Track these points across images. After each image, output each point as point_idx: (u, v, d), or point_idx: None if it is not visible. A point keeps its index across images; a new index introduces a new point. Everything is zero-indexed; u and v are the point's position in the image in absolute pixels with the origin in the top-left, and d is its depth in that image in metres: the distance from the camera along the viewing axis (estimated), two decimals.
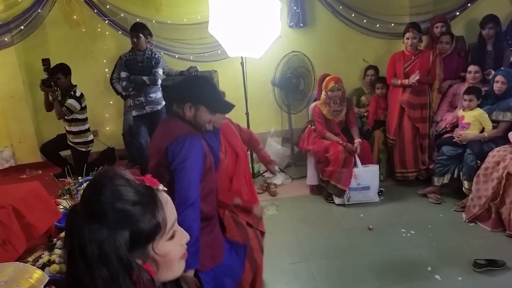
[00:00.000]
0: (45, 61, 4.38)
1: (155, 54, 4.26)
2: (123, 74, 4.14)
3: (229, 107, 2.02)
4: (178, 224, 0.92)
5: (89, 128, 4.61)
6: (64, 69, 4.46)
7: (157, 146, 1.88)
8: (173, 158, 1.80)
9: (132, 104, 4.29)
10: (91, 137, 4.60)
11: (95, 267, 0.77)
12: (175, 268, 0.90)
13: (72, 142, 4.48)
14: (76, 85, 4.48)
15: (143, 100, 4.21)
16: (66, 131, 4.49)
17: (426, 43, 4.76)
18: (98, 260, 0.77)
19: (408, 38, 4.21)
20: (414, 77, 4.12)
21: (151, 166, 1.94)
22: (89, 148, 4.60)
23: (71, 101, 4.42)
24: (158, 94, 4.33)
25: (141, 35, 4.12)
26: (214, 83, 2.02)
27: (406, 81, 4.22)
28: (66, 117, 4.46)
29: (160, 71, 4.29)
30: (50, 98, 4.49)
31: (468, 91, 3.91)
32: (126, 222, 0.80)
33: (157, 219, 0.83)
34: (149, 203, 0.84)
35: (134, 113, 4.31)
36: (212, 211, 2.05)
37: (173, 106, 1.95)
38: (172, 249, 0.87)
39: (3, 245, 2.43)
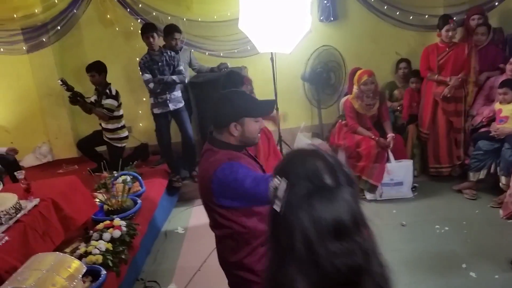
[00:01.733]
0: (62, 81, 4.38)
1: (171, 53, 4.31)
2: (147, 76, 4.16)
3: (270, 105, 1.96)
4: None
5: (124, 125, 4.71)
6: (98, 67, 4.49)
7: (202, 184, 1.77)
8: (220, 184, 1.67)
9: (154, 102, 4.30)
10: (126, 134, 4.69)
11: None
12: None
13: (108, 138, 4.58)
14: (110, 83, 4.58)
15: (167, 98, 4.27)
16: (102, 128, 4.59)
17: (461, 35, 4.62)
18: (351, 218, 0.83)
19: (448, 30, 4.08)
20: (456, 80, 4.05)
21: (202, 199, 1.83)
22: (124, 144, 4.70)
23: (109, 101, 4.48)
24: (179, 93, 4.38)
25: (155, 34, 4.18)
26: (241, 90, 1.86)
27: (447, 79, 4.11)
28: (109, 116, 4.49)
29: (182, 68, 4.35)
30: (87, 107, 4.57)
31: (502, 83, 3.78)
32: (352, 182, 0.87)
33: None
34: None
35: (156, 110, 4.31)
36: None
37: (211, 139, 1.81)
38: None
39: (43, 236, 2.54)
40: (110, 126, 4.56)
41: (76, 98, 4.43)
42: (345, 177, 0.86)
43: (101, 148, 4.81)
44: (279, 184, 0.86)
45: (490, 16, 4.65)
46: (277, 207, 0.84)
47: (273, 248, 0.90)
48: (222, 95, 1.83)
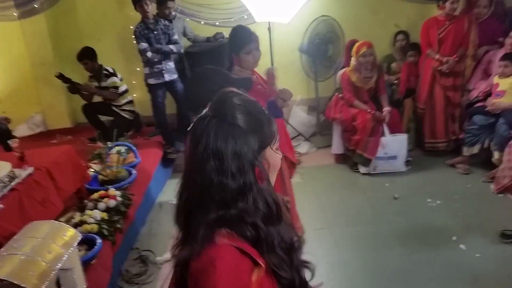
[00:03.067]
0: (59, 77, 4.40)
1: (166, 22, 4.23)
2: (144, 45, 4.09)
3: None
4: None
5: (132, 100, 4.73)
6: (88, 53, 4.45)
7: None
8: None
9: (149, 72, 4.24)
10: (134, 108, 4.74)
11: (229, 161, 0.88)
12: (273, 178, 1.02)
13: (118, 109, 4.59)
14: (102, 64, 4.54)
15: (163, 68, 4.21)
16: (114, 106, 4.59)
17: (462, 7, 4.54)
18: (232, 156, 0.88)
19: (453, 2, 3.99)
20: (450, 63, 4.03)
21: None
22: (132, 118, 4.72)
23: (111, 79, 4.48)
24: (173, 63, 4.33)
25: (148, 1, 4.08)
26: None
27: (444, 59, 4.07)
28: (118, 94, 4.52)
29: (177, 37, 4.30)
30: (87, 94, 4.60)
31: (504, 56, 3.75)
32: (257, 126, 0.94)
33: (274, 128, 0.99)
34: (267, 114, 0.99)
35: (151, 81, 4.26)
36: None
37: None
38: (277, 158, 1.02)
39: (42, 204, 2.54)
40: (118, 103, 4.56)
41: (75, 88, 4.46)
42: (251, 121, 0.93)
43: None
44: (203, 111, 0.99)
45: None
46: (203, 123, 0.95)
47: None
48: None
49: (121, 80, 4.60)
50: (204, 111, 0.98)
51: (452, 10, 4.03)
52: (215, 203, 0.89)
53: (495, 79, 3.83)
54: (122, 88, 4.61)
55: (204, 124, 0.92)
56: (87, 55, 4.46)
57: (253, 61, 2.44)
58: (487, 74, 4.17)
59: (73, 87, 4.49)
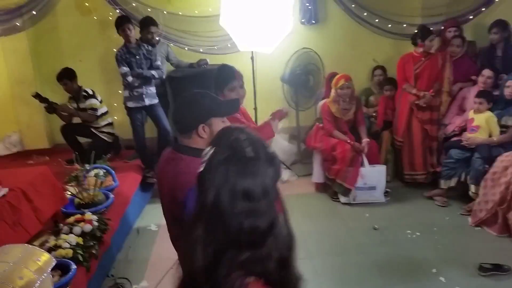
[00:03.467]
0: (36, 96, 4.38)
1: (148, 47, 4.24)
2: (124, 69, 4.07)
3: (235, 104, 1.92)
4: None
5: (112, 122, 4.68)
6: (68, 74, 4.42)
7: (171, 198, 1.67)
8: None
9: (129, 95, 4.20)
10: (113, 130, 4.68)
11: (259, 198, 0.89)
12: None
13: (97, 131, 4.51)
14: (82, 86, 4.51)
15: (143, 92, 4.19)
16: (93, 127, 4.52)
17: (438, 45, 4.74)
18: (261, 193, 0.90)
19: (431, 40, 4.16)
20: (427, 98, 4.17)
21: (167, 215, 1.85)
22: (111, 140, 4.65)
23: (90, 101, 4.43)
24: (154, 88, 4.31)
25: (131, 26, 4.09)
26: (204, 91, 1.78)
27: (421, 94, 4.21)
28: (97, 116, 4.47)
29: (160, 63, 4.32)
30: (66, 115, 4.56)
31: (479, 94, 3.90)
32: (271, 158, 0.96)
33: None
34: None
35: (131, 104, 4.21)
36: None
37: (177, 146, 1.71)
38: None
39: (13, 227, 2.44)
40: (99, 125, 4.51)
41: (52, 108, 4.43)
42: (265, 153, 0.95)
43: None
44: (208, 150, 0.97)
45: (465, 29, 4.79)
46: (200, 168, 0.95)
47: (194, 209, 0.98)
48: (187, 97, 1.75)
49: (100, 102, 4.56)
50: (209, 152, 0.96)
51: (429, 47, 4.20)
52: (243, 245, 0.88)
53: (471, 114, 3.97)
54: (102, 110, 4.56)
55: (221, 164, 0.91)
56: (66, 75, 4.42)
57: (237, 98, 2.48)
58: (462, 110, 4.32)
59: (50, 107, 4.43)
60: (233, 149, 0.93)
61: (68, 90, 4.48)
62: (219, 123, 1.69)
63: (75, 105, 4.51)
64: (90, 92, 4.49)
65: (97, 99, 4.51)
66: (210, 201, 0.89)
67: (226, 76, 2.53)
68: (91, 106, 4.45)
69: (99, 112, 4.50)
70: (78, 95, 4.48)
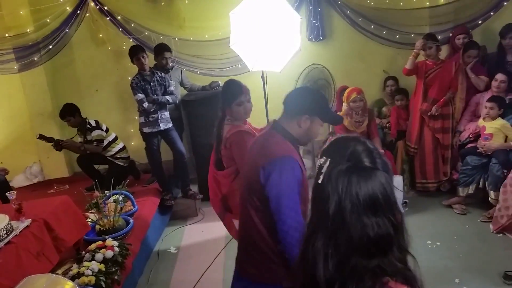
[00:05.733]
0: (41, 138, 4.51)
1: (161, 73, 4.35)
2: (140, 96, 4.18)
3: (339, 119, 2.08)
4: None
5: (124, 146, 4.76)
6: (70, 110, 4.53)
7: (253, 164, 1.81)
8: (268, 183, 1.72)
9: (144, 121, 4.31)
10: (127, 154, 4.76)
11: (384, 208, 0.92)
12: None
13: (113, 157, 4.62)
14: (86, 117, 4.62)
15: (158, 117, 4.29)
16: (108, 156, 4.62)
17: (448, 53, 4.73)
18: (384, 202, 0.92)
19: (424, 50, 4.20)
20: (437, 110, 4.17)
21: (244, 182, 1.91)
22: (127, 164, 4.74)
23: (94, 133, 4.53)
24: (168, 113, 4.41)
25: (145, 54, 4.21)
26: (323, 95, 1.97)
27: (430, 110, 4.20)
28: (102, 146, 4.56)
29: (173, 88, 4.41)
30: (74, 148, 4.65)
31: (490, 99, 3.87)
32: (387, 167, 1.00)
33: None
34: None
35: (147, 130, 4.31)
36: None
37: (276, 123, 1.86)
38: None
39: (37, 257, 2.51)
40: (113, 151, 4.61)
41: (59, 145, 4.52)
42: (381, 163, 0.98)
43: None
44: (323, 162, 0.99)
45: (474, 34, 4.78)
46: (319, 179, 0.97)
47: (310, 219, 1.01)
48: (308, 88, 2.02)
49: (106, 131, 4.64)
50: (325, 163, 0.98)
51: (429, 56, 4.20)
52: (373, 252, 0.90)
53: (481, 122, 3.94)
54: (109, 138, 4.63)
55: (342, 175, 0.93)
56: (68, 112, 4.53)
57: (244, 112, 2.59)
58: (476, 116, 4.28)
59: (57, 145, 4.53)
60: (352, 159, 0.96)
61: (72, 125, 4.59)
62: (318, 124, 1.85)
63: (82, 137, 4.62)
64: (93, 124, 4.57)
65: (101, 129, 4.59)
66: (332, 211, 0.91)
67: (234, 91, 2.58)
68: (97, 137, 4.53)
69: (105, 142, 4.57)
70: (84, 128, 4.58)
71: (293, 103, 1.85)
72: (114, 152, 4.64)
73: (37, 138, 4.51)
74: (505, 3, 4.84)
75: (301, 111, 1.80)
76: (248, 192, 1.83)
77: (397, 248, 0.93)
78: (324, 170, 0.97)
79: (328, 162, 0.97)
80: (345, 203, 0.90)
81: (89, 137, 4.57)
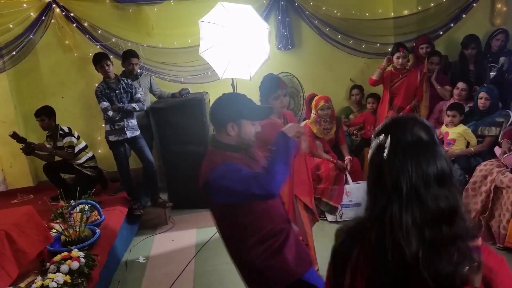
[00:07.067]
0: (13, 136, 4.36)
1: (127, 80, 4.30)
2: (105, 105, 4.11)
3: (267, 110, 2.07)
4: None
5: (93, 155, 4.68)
6: (47, 111, 4.43)
7: (200, 184, 1.89)
8: (214, 185, 1.80)
9: (110, 129, 4.24)
10: (96, 164, 4.67)
11: (452, 179, 1.00)
12: None
13: (80, 166, 4.51)
14: (59, 124, 4.52)
15: (125, 125, 4.24)
16: (76, 164, 4.52)
17: (412, 62, 4.90)
18: (450, 172, 1.00)
19: (398, 58, 4.32)
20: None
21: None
22: (95, 174, 4.64)
23: (66, 139, 4.43)
24: (135, 121, 4.35)
25: (109, 62, 4.15)
26: (241, 94, 2.02)
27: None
28: (74, 153, 4.47)
29: (140, 95, 4.36)
30: (43, 154, 4.54)
31: (451, 107, 4.02)
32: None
33: None
34: None
35: (112, 138, 4.24)
36: (276, 227, 1.95)
37: (213, 139, 1.96)
38: None
39: None
40: (79, 161, 4.51)
41: (29, 149, 4.39)
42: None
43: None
44: (382, 139, 1.03)
45: (436, 44, 4.97)
46: (384, 154, 1.00)
47: (375, 193, 1.04)
48: (224, 96, 1.97)
49: (78, 138, 4.55)
50: (386, 140, 1.02)
51: (399, 64, 4.34)
52: (445, 221, 0.97)
53: (443, 128, 4.08)
54: (80, 146, 4.54)
55: (408, 150, 0.99)
56: (45, 112, 4.42)
57: (280, 106, 2.64)
58: (439, 123, 4.44)
59: (28, 147, 4.38)
60: (414, 136, 1.00)
61: (44, 127, 4.47)
62: (248, 125, 1.90)
63: (52, 143, 4.51)
64: (66, 130, 4.49)
65: (74, 136, 4.50)
66: (406, 185, 0.96)
67: (271, 86, 2.65)
68: (69, 143, 4.43)
69: (76, 149, 4.48)
70: (55, 133, 4.48)
71: (214, 116, 1.95)
72: (83, 160, 4.55)
73: (9, 135, 4.35)
74: (463, 15, 5.07)
75: (223, 121, 1.88)
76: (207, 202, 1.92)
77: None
78: (387, 145, 1.01)
79: (389, 139, 1.02)
80: (417, 178, 0.96)
81: (59, 144, 4.47)
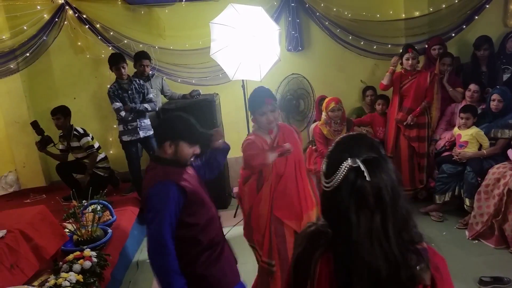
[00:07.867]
0: (33, 124, 4.44)
1: (139, 81, 4.34)
2: (117, 105, 4.16)
3: (206, 136, 2.09)
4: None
5: (106, 156, 4.71)
6: (64, 110, 4.49)
7: (143, 197, 2.00)
8: (147, 208, 1.92)
9: (123, 129, 4.29)
10: (108, 164, 4.71)
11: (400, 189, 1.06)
12: None
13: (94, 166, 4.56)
14: (73, 124, 4.57)
15: (137, 125, 4.26)
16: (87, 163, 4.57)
17: (423, 63, 4.86)
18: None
19: (408, 59, 4.29)
20: (412, 120, 4.29)
21: None
22: (107, 174, 4.68)
23: (84, 140, 4.48)
24: (149, 120, 4.40)
25: (125, 64, 4.19)
26: (189, 117, 2.03)
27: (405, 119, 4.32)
28: (96, 152, 4.54)
29: (152, 95, 4.39)
30: (58, 154, 4.61)
31: (464, 109, 3.98)
32: None
33: None
34: None
35: (125, 138, 4.29)
36: (216, 238, 2.05)
37: (153, 155, 2.06)
38: None
39: (10, 269, 2.44)
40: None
41: (44, 142, 4.47)
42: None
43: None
44: (352, 164, 1.02)
45: (448, 46, 4.93)
46: (366, 175, 1.01)
47: (357, 213, 1.03)
48: (171, 115, 2.04)
49: (92, 138, 4.60)
50: (368, 157, 1.04)
51: (409, 65, 4.29)
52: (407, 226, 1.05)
53: (456, 131, 4.04)
54: (95, 146, 4.60)
55: (384, 163, 1.05)
56: (61, 111, 4.47)
57: (266, 122, 2.49)
58: (451, 125, 4.40)
59: (42, 141, 4.45)
60: (375, 152, 1.07)
61: (59, 126, 4.51)
62: (186, 147, 1.95)
63: (65, 143, 4.55)
64: (81, 131, 4.53)
65: (89, 136, 4.56)
66: (389, 196, 1.02)
67: (256, 101, 2.52)
68: (88, 144, 4.49)
69: (94, 149, 4.54)
70: (69, 133, 4.52)
71: (156, 131, 2.07)
72: (96, 161, 4.58)
73: (31, 123, 4.47)
74: (476, 17, 5.03)
75: (162, 139, 1.96)
76: None
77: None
78: (363, 168, 1.01)
79: (359, 161, 1.03)
80: (393, 187, 1.03)
81: (73, 144, 4.51)
